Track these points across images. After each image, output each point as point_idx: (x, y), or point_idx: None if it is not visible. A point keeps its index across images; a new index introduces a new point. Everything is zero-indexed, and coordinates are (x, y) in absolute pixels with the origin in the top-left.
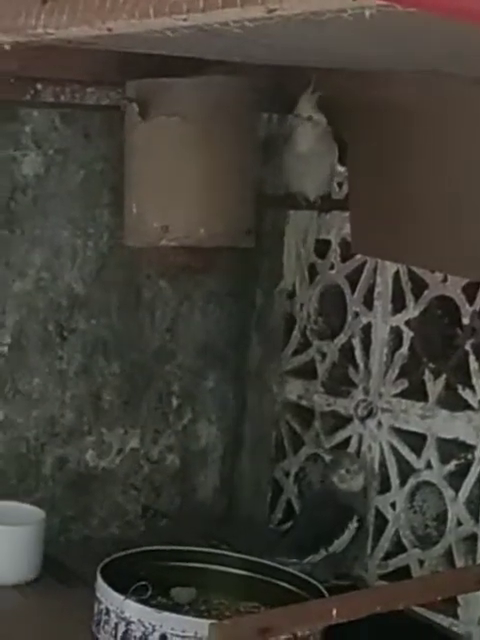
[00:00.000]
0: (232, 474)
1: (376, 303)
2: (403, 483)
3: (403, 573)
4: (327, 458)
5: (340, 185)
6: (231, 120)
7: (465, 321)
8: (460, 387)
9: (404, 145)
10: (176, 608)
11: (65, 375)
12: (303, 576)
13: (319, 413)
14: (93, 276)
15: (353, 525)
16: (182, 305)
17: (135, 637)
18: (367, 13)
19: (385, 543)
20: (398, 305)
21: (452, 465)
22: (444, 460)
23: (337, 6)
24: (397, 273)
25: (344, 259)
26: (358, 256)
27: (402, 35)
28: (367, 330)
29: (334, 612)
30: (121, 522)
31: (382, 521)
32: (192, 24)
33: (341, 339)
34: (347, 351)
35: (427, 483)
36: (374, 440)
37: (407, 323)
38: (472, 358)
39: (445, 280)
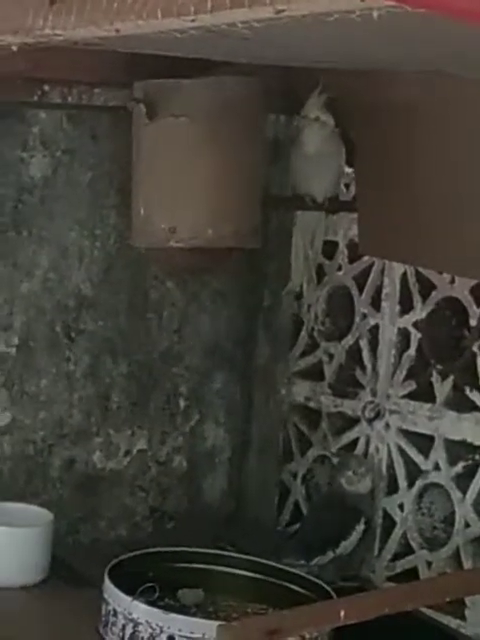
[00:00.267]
0: (239, 476)
1: (383, 304)
2: (411, 485)
3: (411, 575)
4: (335, 460)
5: (348, 186)
6: (238, 121)
7: (473, 322)
8: (468, 388)
9: (411, 146)
10: (183, 609)
11: (73, 376)
12: (311, 578)
13: (326, 414)
14: (100, 277)
15: (360, 527)
16: (189, 306)
17: (142, 638)
18: (375, 14)
19: (393, 545)
20: (406, 306)
21: (460, 466)
22: (452, 462)
23: (345, 7)
24: (405, 274)
25: (351, 260)
26: (366, 257)
27: (410, 35)
28: (374, 331)
29: (342, 614)
30: (129, 524)
31: (390, 523)
32: (200, 25)
33: (348, 340)
34: (354, 352)
35: (435, 485)
36: (382, 442)
37: (415, 324)
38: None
39: (453, 281)
